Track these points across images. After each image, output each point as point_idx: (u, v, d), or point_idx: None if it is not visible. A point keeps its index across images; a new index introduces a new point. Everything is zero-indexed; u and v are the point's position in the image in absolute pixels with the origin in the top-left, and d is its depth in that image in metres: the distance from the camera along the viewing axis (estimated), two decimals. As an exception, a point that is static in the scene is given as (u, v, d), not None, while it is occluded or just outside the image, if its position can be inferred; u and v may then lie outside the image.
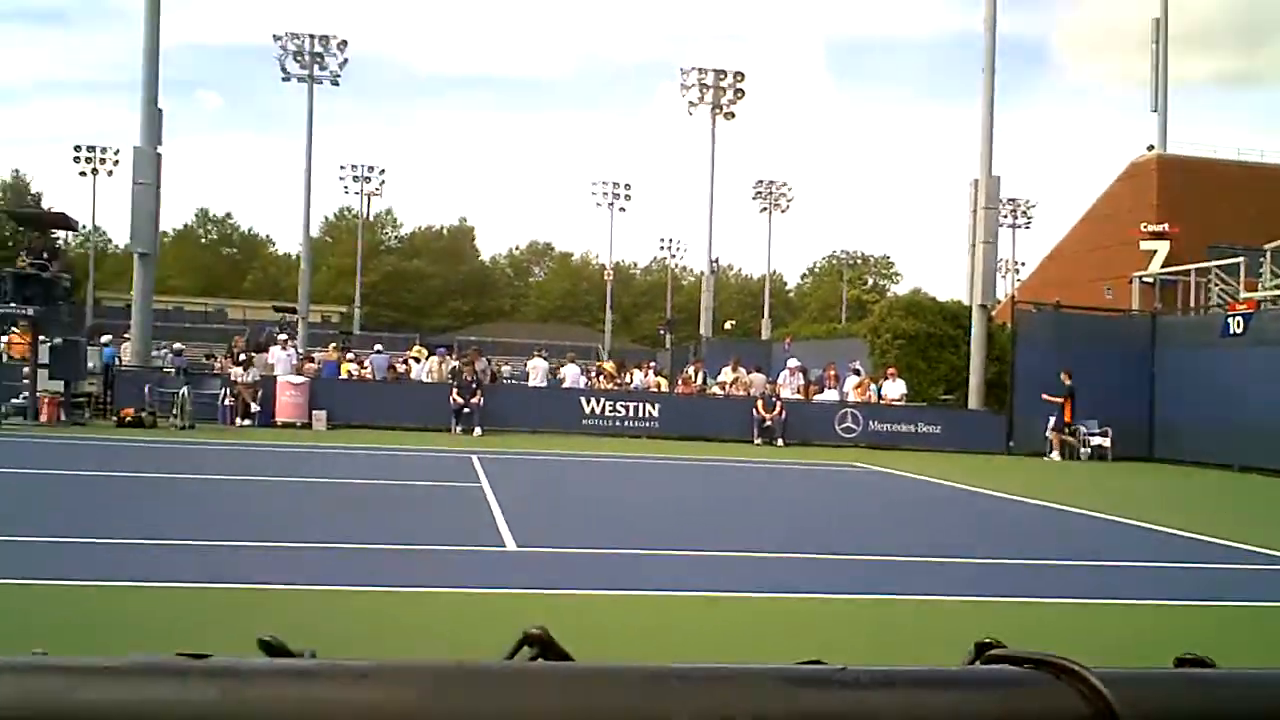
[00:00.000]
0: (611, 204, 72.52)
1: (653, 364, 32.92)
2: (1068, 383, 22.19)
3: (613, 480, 14.63)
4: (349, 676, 0.58)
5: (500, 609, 6.04)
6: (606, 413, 22.96)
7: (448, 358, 25.84)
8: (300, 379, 22.01)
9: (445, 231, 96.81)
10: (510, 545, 8.17)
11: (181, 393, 19.66)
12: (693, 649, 5.27)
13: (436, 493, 11.92)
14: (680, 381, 28.07)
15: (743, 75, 52.19)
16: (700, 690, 0.62)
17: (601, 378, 26.90)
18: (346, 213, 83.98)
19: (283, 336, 26.30)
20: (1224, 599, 7.28)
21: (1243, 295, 23.35)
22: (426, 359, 25.44)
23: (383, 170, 70.69)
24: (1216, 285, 25.82)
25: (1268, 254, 23.97)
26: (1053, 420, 22.33)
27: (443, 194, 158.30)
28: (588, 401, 23.15)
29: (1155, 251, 32.58)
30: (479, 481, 12.58)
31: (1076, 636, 5.87)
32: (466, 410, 21.57)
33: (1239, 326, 22.00)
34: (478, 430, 21.21)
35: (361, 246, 69.46)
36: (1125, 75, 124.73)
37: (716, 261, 54.46)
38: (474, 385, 21.99)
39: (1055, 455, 22.15)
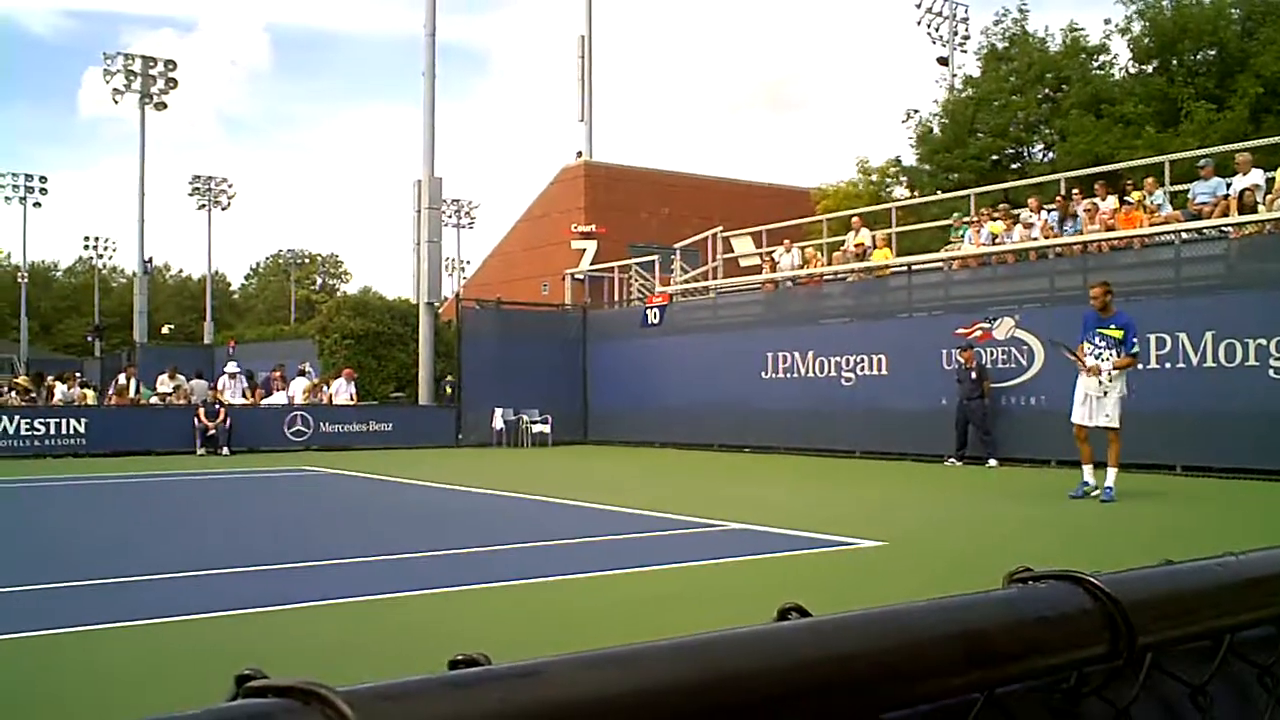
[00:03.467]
0: (24, 198, 64.97)
1: (79, 375, 30.05)
2: None
3: (28, 508, 13.02)
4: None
5: None
6: (22, 432, 20.47)
7: None
8: None
9: None
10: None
11: None
12: (97, 687, 4.78)
13: None
14: (112, 392, 25.81)
15: (174, 64, 49.11)
16: None
17: (15, 394, 23.96)
18: None
19: None
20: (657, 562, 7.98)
21: (658, 289, 25.84)
22: None
23: None
24: (637, 281, 28.33)
25: (678, 252, 26.73)
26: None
27: None
28: (-3, 421, 20.50)
29: (585, 250, 35.18)
30: None
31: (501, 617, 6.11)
32: None
33: (655, 318, 24.38)
34: None
35: None
36: (563, 82, 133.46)
37: (150, 262, 50.61)
38: None
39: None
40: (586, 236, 36.02)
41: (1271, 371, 13.91)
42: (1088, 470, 11.56)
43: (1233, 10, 30.23)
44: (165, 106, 48.92)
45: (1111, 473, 11.30)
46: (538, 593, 6.94)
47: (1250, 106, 28.10)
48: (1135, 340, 11.31)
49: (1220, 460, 14.04)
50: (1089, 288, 11.76)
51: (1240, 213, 15.30)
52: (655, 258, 26.92)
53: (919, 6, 44.84)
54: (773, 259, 23.43)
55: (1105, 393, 11.10)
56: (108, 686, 4.83)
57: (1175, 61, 31.09)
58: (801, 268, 22.48)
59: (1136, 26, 31.90)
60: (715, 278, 25.40)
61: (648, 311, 24.72)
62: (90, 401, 24.48)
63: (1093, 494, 11.43)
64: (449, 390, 25.31)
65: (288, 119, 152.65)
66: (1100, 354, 11.18)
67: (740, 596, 6.65)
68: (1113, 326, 11.19)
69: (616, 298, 28.80)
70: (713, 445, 21.98)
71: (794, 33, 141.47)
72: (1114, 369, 11.06)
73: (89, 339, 59.80)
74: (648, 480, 16.07)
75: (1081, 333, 11.54)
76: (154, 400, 24.28)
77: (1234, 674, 0.87)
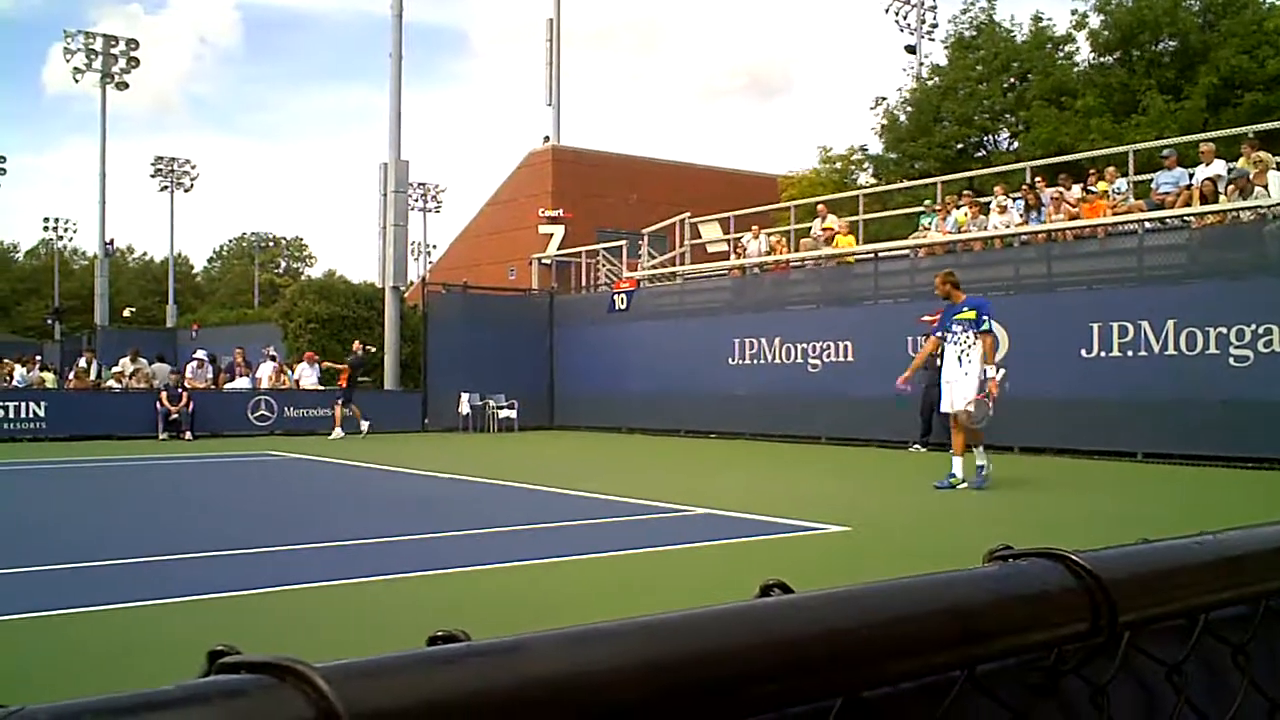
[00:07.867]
0: (-19, 178, 64.01)
1: (38, 358, 29.72)
2: (358, 352, 23.21)
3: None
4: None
5: None
6: (-20, 415, 20.23)
7: None
8: None
9: None
10: None
11: None
12: (64, 669, 4.72)
13: None
14: (72, 375, 25.53)
15: (136, 43, 48.44)
16: None
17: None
18: None
19: None
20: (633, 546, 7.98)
21: (625, 275, 25.80)
22: None
23: None
24: (604, 266, 28.25)
25: (645, 237, 26.68)
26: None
27: None
28: (-47, 404, 20.22)
29: (552, 235, 35.04)
30: None
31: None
32: None
33: (623, 303, 24.35)
34: None
35: None
36: (532, 66, 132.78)
37: (111, 244, 50.04)
38: None
39: (338, 432, 21.95)
40: (554, 221, 35.86)
41: (1232, 359, 14.08)
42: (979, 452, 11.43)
43: (1192, 2, 30.49)
44: (126, 86, 48.29)
45: (959, 460, 11.26)
46: (505, 577, 6.92)
47: (1207, 97, 28.36)
48: (986, 318, 11.16)
49: (1181, 447, 14.20)
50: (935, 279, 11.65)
51: (1202, 203, 15.46)
52: (623, 243, 26.86)
53: (888, -6, 44.93)
54: (740, 245, 23.43)
55: (967, 373, 11.07)
56: (76, 668, 4.77)
57: (1136, 53, 31.33)
58: (769, 254, 22.51)
59: (1095, 20, 32.13)
60: (683, 263, 25.39)
61: (615, 297, 24.68)
62: (50, 385, 24.18)
63: (961, 485, 11.24)
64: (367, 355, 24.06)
65: (254, 100, 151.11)
66: (958, 339, 11.15)
67: (709, 581, 6.67)
68: (965, 309, 11.18)
69: (584, 283, 28.72)
70: (679, 431, 22.00)
71: (766, 21, 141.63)
72: (984, 362, 11.03)
73: (49, 322, 59.10)
74: (614, 466, 16.07)
75: (941, 323, 11.53)
76: (112, 383, 23.97)
77: (1209, 653, 0.88)
